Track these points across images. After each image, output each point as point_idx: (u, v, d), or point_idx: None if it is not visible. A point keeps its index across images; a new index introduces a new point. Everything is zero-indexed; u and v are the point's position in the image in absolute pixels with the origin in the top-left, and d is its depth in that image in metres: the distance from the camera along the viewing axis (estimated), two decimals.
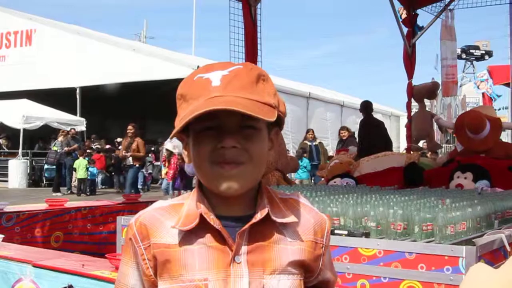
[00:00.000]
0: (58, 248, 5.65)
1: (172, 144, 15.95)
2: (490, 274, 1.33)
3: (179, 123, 1.32)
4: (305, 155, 16.61)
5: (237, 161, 1.33)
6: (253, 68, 1.39)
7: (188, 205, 1.42)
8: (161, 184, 19.88)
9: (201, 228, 1.37)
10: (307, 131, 17.87)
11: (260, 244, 1.37)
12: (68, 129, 21.20)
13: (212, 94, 1.31)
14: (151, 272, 1.41)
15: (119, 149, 19.75)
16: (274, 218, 1.38)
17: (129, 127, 15.96)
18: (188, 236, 1.38)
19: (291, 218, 1.40)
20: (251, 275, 1.34)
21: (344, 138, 15.15)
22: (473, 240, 3.36)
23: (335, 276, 1.59)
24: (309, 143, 17.09)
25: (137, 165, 16.08)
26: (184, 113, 1.31)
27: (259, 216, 1.36)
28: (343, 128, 15.97)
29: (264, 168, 1.41)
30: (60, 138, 19.29)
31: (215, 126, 1.33)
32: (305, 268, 1.43)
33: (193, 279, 1.34)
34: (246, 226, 1.35)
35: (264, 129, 1.38)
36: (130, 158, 15.89)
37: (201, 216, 1.36)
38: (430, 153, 14.82)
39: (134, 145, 15.61)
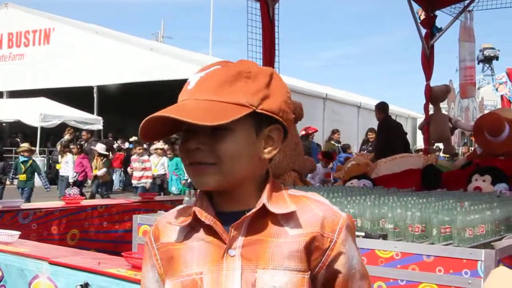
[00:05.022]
0: (74, 245, 5.67)
1: None
2: None
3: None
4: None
5: (204, 162, 1.33)
6: (235, 66, 1.36)
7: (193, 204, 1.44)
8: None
9: (200, 224, 1.38)
10: (333, 132, 17.17)
11: (256, 238, 1.35)
12: (85, 127, 21.18)
13: (182, 97, 1.35)
14: (162, 271, 1.44)
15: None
16: (273, 210, 1.34)
17: None
18: (189, 233, 1.40)
19: (292, 208, 1.35)
20: (244, 268, 1.33)
21: (372, 140, 14.72)
22: (492, 243, 3.33)
23: None
24: (336, 144, 16.36)
25: None
26: None
27: (253, 209, 1.34)
28: (371, 130, 15.38)
29: (245, 165, 1.35)
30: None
31: (188, 128, 1.34)
32: (308, 263, 1.36)
33: (191, 274, 1.36)
34: (240, 220, 1.34)
35: (242, 129, 1.33)
36: None
37: (196, 213, 1.38)
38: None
39: None
